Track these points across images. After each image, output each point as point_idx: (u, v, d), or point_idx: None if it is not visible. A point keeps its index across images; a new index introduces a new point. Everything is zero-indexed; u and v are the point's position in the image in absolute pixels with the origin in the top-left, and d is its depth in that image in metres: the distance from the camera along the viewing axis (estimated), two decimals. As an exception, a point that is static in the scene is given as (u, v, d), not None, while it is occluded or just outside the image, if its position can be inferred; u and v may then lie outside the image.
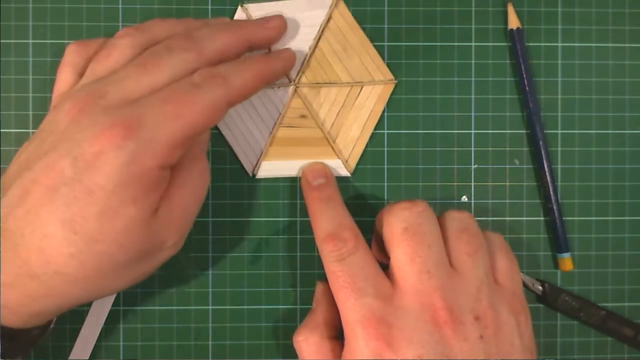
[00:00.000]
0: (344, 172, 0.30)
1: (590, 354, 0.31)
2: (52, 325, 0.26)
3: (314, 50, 0.30)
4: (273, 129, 0.30)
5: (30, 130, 0.30)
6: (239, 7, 0.30)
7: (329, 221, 0.26)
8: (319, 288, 0.28)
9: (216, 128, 0.30)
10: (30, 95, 0.30)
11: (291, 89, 0.30)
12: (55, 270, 0.22)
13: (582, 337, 0.31)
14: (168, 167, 0.23)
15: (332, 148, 0.30)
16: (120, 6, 0.31)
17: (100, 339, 0.30)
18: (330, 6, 0.30)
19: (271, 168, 0.30)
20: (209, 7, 0.31)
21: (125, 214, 0.22)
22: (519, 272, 0.27)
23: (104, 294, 0.24)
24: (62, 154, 0.22)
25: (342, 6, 0.31)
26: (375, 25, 0.31)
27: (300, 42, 0.30)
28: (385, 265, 0.25)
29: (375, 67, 0.31)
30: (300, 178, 0.30)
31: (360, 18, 0.31)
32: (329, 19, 0.30)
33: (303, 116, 0.30)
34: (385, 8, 0.31)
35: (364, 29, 0.31)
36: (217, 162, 0.31)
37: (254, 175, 0.30)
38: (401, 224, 0.24)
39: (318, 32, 0.30)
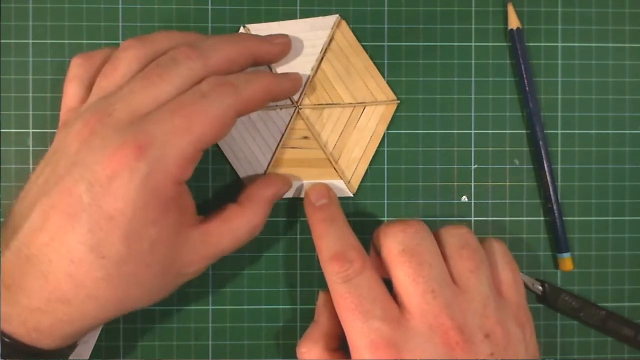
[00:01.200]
0: (347, 193, 0.30)
1: (590, 354, 0.31)
2: (79, 343, 0.26)
3: (316, 72, 0.30)
4: (275, 150, 0.30)
5: (31, 131, 0.30)
6: (241, 28, 0.30)
7: (333, 241, 0.26)
8: (321, 298, 0.28)
9: (218, 148, 0.30)
10: (30, 95, 0.30)
11: (293, 110, 0.30)
12: (87, 294, 0.22)
13: (582, 337, 0.31)
14: (183, 182, 0.23)
15: (335, 169, 0.30)
16: (120, 6, 0.31)
17: (100, 339, 0.30)
18: (332, 27, 0.30)
19: None
20: (209, 7, 0.31)
21: (148, 236, 0.22)
22: (521, 282, 0.26)
23: (129, 311, 0.24)
24: (77, 179, 0.22)
25: (344, 27, 0.31)
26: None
27: (302, 63, 0.30)
28: (388, 283, 0.25)
29: (378, 87, 0.31)
30: (303, 199, 0.30)
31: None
32: (331, 40, 0.30)
33: (305, 137, 0.30)
34: (385, 8, 0.31)
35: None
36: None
37: None
38: (398, 246, 0.24)
39: (320, 53, 0.30)
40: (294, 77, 0.29)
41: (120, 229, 0.22)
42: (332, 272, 0.24)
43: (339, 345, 0.26)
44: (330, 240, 0.26)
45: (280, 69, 0.30)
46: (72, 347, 0.25)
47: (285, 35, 0.29)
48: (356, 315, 0.23)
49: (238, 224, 0.26)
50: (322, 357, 0.25)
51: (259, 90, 0.25)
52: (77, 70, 0.26)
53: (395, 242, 0.24)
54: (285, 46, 0.29)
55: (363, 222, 0.31)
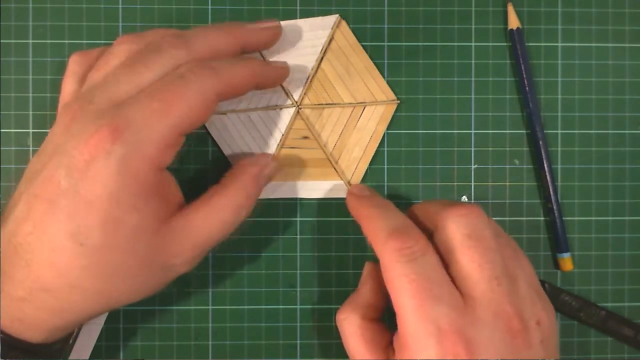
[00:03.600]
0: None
1: (590, 354, 0.31)
2: (72, 340, 0.26)
3: (316, 72, 0.30)
4: (275, 150, 0.30)
5: (31, 131, 0.30)
6: None
7: (392, 220, 0.24)
8: (367, 268, 0.27)
9: (218, 148, 0.30)
10: (30, 95, 0.30)
11: (293, 110, 0.30)
12: (69, 284, 0.22)
13: (582, 337, 0.31)
14: (163, 167, 0.23)
15: (335, 169, 0.30)
16: (120, 6, 0.31)
17: (100, 339, 0.30)
18: (332, 27, 0.30)
19: (274, 189, 0.30)
20: (209, 7, 0.31)
21: (128, 222, 0.22)
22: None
23: (118, 306, 0.24)
24: (57, 165, 0.22)
25: (344, 27, 0.31)
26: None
27: (302, 63, 0.30)
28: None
29: (378, 87, 0.31)
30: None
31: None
32: (331, 40, 0.30)
33: (305, 137, 0.30)
34: (385, 8, 0.31)
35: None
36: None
37: None
38: (463, 230, 0.23)
39: (320, 53, 0.30)
40: (280, 66, 0.28)
41: (99, 214, 0.21)
42: (394, 249, 0.22)
43: (379, 317, 0.26)
44: (388, 219, 0.24)
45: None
46: (64, 342, 0.25)
47: (275, 20, 0.28)
48: (424, 300, 0.21)
49: (221, 205, 0.25)
50: (360, 326, 0.25)
51: (241, 74, 0.25)
52: (73, 66, 0.26)
53: (459, 226, 0.23)
54: (275, 33, 0.28)
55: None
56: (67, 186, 0.21)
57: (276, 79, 0.28)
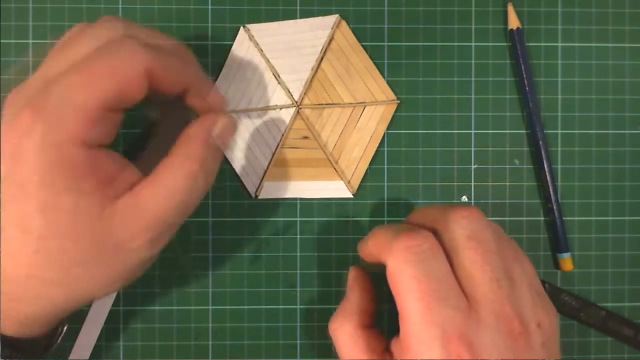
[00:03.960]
0: (347, 194, 0.30)
1: (590, 354, 0.31)
2: (59, 337, 0.25)
3: (316, 72, 0.30)
4: (275, 150, 0.30)
5: (30, 130, 0.30)
6: (241, 28, 0.30)
7: (397, 227, 0.24)
8: (352, 273, 0.27)
9: None
10: (30, 95, 0.30)
11: (293, 110, 0.30)
12: (27, 274, 0.21)
13: (582, 337, 0.31)
14: (94, 144, 0.21)
15: (335, 169, 0.30)
16: (120, 6, 0.31)
17: (100, 339, 0.30)
18: (332, 27, 0.30)
19: (274, 189, 0.30)
20: (209, 7, 0.31)
21: (65, 205, 0.21)
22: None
23: (88, 298, 0.23)
24: None
25: (344, 27, 0.31)
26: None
27: (302, 63, 0.30)
28: None
29: (378, 87, 0.31)
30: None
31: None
32: (331, 40, 0.30)
33: (305, 137, 0.30)
34: (385, 8, 0.31)
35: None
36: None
37: (256, 197, 0.30)
38: (464, 231, 0.23)
39: (320, 53, 0.30)
40: (218, 95, 0.26)
41: (36, 199, 0.20)
42: (403, 248, 0.22)
43: (371, 323, 0.25)
44: (393, 228, 0.24)
45: (281, 68, 0.30)
46: (49, 338, 0.24)
47: (220, 95, 0.26)
48: (430, 302, 0.21)
49: (170, 175, 0.22)
50: (353, 334, 0.24)
51: (176, 64, 0.23)
52: None
53: (460, 228, 0.23)
54: (216, 104, 0.25)
55: (363, 222, 0.31)
56: (3, 173, 0.21)
57: (202, 92, 0.25)
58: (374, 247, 0.24)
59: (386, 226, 0.25)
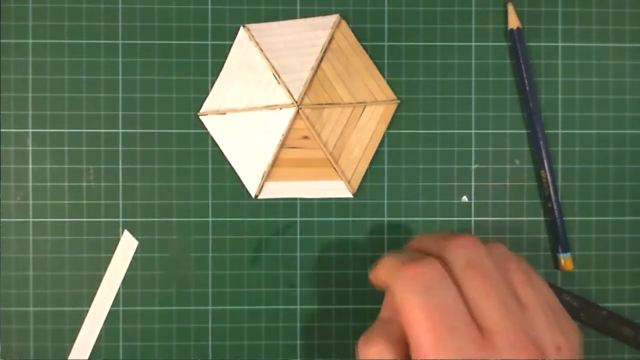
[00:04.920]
0: (347, 194, 0.30)
1: (590, 354, 0.31)
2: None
3: (316, 72, 0.30)
4: (275, 150, 0.30)
5: (30, 131, 0.30)
6: (241, 28, 0.30)
7: (402, 256, 0.23)
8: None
9: (218, 148, 0.30)
10: (30, 95, 0.30)
11: (293, 110, 0.30)
12: None
13: (582, 337, 0.31)
14: None
15: (335, 169, 0.30)
16: (120, 6, 0.31)
17: (100, 339, 0.30)
18: (332, 27, 0.30)
19: (274, 189, 0.30)
20: (209, 7, 0.31)
21: None
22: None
23: None
24: None
25: (344, 27, 0.31)
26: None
27: (302, 63, 0.30)
28: None
29: (378, 87, 0.31)
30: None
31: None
32: (331, 40, 0.30)
33: (306, 137, 0.30)
34: (385, 8, 0.31)
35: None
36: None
37: (256, 197, 0.30)
38: (461, 260, 0.22)
39: (320, 53, 0.30)
40: None
41: None
42: (409, 278, 0.21)
43: (408, 353, 0.24)
44: (399, 256, 0.23)
45: (281, 68, 0.30)
46: None
47: None
48: (440, 332, 0.20)
49: None
50: (384, 352, 0.22)
51: None
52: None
53: (457, 258, 0.22)
54: None
55: (363, 222, 0.31)
56: None
57: None
58: (382, 275, 0.24)
59: (394, 255, 0.24)
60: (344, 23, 0.31)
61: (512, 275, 0.23)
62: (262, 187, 0.30)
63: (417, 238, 0.26)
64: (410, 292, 0.21)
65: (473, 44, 0.31)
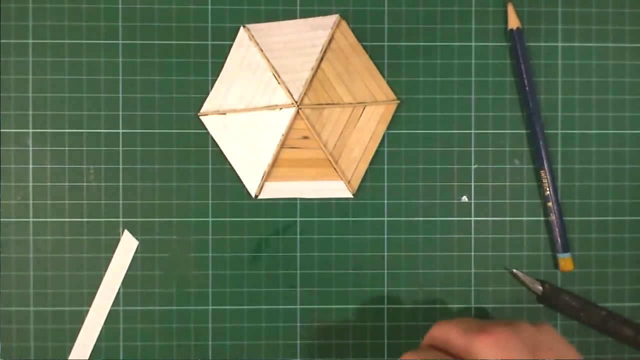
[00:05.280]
0: (347, 194, 0.30)
1: (590, 354, 0.31)
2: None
3: (316, 72, 0.30)
4: (275, 150, 0.30)
5: (30, 131, 0.30)
6: (241, 28, 0.30)
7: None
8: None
9: (218, 148, 0.30)
10: (30, 95, 0.30)
11: (293, 110, 0.30)
12: None
13: (582, 337, 0.31)
14: None
15: (335, 169, 0.30)
16: (120, 6, 0.31)
17: (100, 339, 0.30)
18: (332, 27, 0.30)
19: (274, 189, 0.30)
20: (209, 7, 0.31)
21: None
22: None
23: None
24: None
25: (344, 27, 0.31)
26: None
27: (302, 63, 0.30)
28: None
29: (378, 87, 0.31)
30: None
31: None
32: (331, 40, 0.30)
33: (305, 137, 0.30)
34: (385, 8, 0.31)
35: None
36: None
37: (256, 197, 0.30)
38: (499, 356, 0.22)
39: (320, 53, 0.30)
40: None
41: None
42: None
43: None
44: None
45: (281, 68, 0.30)
46: None
47: None
48: None
49: None
50: None
51: None
52: None
53: (491, 355, 0.22)
54: None
55: (363, 222, 0.31)
56: None
57: None
58: None
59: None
60: (344, 23, 0.31)
61: None
62: (262, 187, 0.30)
63: (438, 327, 0.25)
64: None
65: (473, 44, 0.31)
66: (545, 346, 0.23)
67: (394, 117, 0.31)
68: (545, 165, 0.30)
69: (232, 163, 0.30)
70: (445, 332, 0.24)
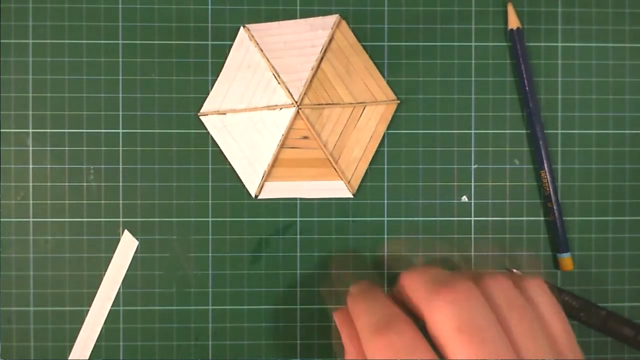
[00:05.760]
0: (347, 194, 0.30)
1: (590, 354, 0.31)
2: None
3: (316, 72, 0.30)
4: (275, 150, 0.30)
5: (31, 131, 0.30)
6: (241, 28, 0.30)
7: (377, 314, 0.22)
8: (338, 318, 0.25)
9: (218, 148, 0.30)
10: (30, 95, 0.30)
11: (293, 110, 0.30)
12: None
13: (582, 337, 0.31)
14: None
15: (335, 169, 0.30)
16: (120, 6, 0.31)
17: (100, 339, 0.30)
18: (332, 27, 0.30)
19: (274, 189, 0.30)
20: (209, 7, 0.31)
21: None
22: (572, 332, 0.23)
23: None
24: None
25: (344, 27, 0.31)
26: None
27: (302, 63, 0.30)
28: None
29: (378, 87, 0.31)
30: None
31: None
32: (330, 40, 0.30)
33: (305, 137, 0.30)
34: (385, 8, 0.31)
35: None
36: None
37: (256, 197, 0.30)
38: (453, 322, 0.20)
39: (320, 53, 0.30)
40: None
41: None
42: (377, 349, 0.20)
43: None
44: (374, 313, 0.22)
45: (281, 68, 0.30)
46: None
47: None
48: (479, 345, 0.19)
49: None
50: None
51: None
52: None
53: (447, 319, 0.20)
54: None
55: (363, 222, 0.31)
56: None
57: None
58: (359, 333, 0.22)
59: (368, 311, 0.23)
60: (344, 23, 0.31)
61: (515, 326, 0.21)
62: (262, 187, 0.30)
63: (402, 277, 0.24)
64: (450, 316, 0.20)
65: (473, 44, 0.31)
66: (519, 303, 0.22)
67: (394, 117, 0.31)
68: (545, 165, 0.30)
69: (232, 163, 0.30)
70: (409, 284, 0.23)
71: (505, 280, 0.22)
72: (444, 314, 0.20)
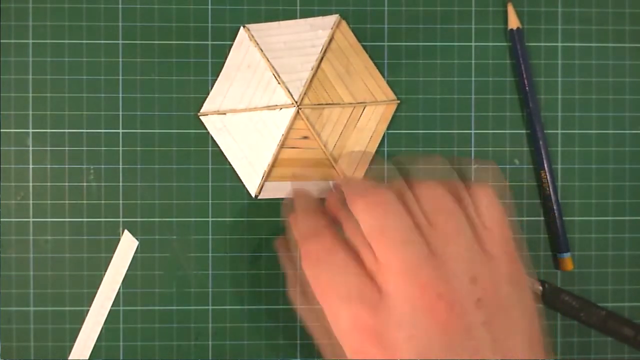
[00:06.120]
0: None
1: (590, 354, 0.31)
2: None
3: (316, 72, 0.30)
4: (275, 150, 0.30)
5: (31, 131, 0.30)
6: (241, 28, 0.30)
7: (304, 224, 0.25)
8: (280, 245, 0.28)
9: (218, 148, 0.30)
10: (30, 95, 0.30)
11: (293, 110, 0.30)
12: None
13: (582, 337, 0.31)
14: None
15: (335, 169, 0.30)
16: (120, 6, 0.31)
17: (101, 338, 0.30)
18: (332, 27, 0.30)
19: (274, 189, 0.30)
20: (209, 7, 0.31)
21: None
22: (510, 231, 0.23)
23: None
24: None
25: (344, 27, 0.31)
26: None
27: (302, 63, 0.30)
28: None
29: (378, 87, 0.31)
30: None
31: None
32: (330, 40, 0.30)
33: (305, 137, 0.30)
34: (385, 8, 0.31)
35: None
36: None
37: (256, 197, 0.30)
38: (368, 223, 0.22)
39: (320, 53, 0.30)
40: None
41: None
42: (302, 254, 0.23)
43: None
44: (301, 222, 0.25)
45: (281, 68, 0.30)
46: None
47: None
48: (329, 301, 0.22)
49: None
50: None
51: None
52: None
53: (363, 221, 0.22)
54: None
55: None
56: None
57: None
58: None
59: (298, 221, 0.25)
60: (344, 23, 0.31)
61: (438, 230, 0.22)
62: (262, 187, 0.30)
63: (344, 183, 0.26)
64: (304, 265, 0.23)
65: (473, 44, 0.31)
66: (448, 207, 0.23)
67: (394, 117, 0.31)
68: (545, 165, 0.30)
69: (232, 163, 0.30)
70: (332, 197, 0.25)
71: (436, 187, 0.23)
72: (356, 221, 0.22)
